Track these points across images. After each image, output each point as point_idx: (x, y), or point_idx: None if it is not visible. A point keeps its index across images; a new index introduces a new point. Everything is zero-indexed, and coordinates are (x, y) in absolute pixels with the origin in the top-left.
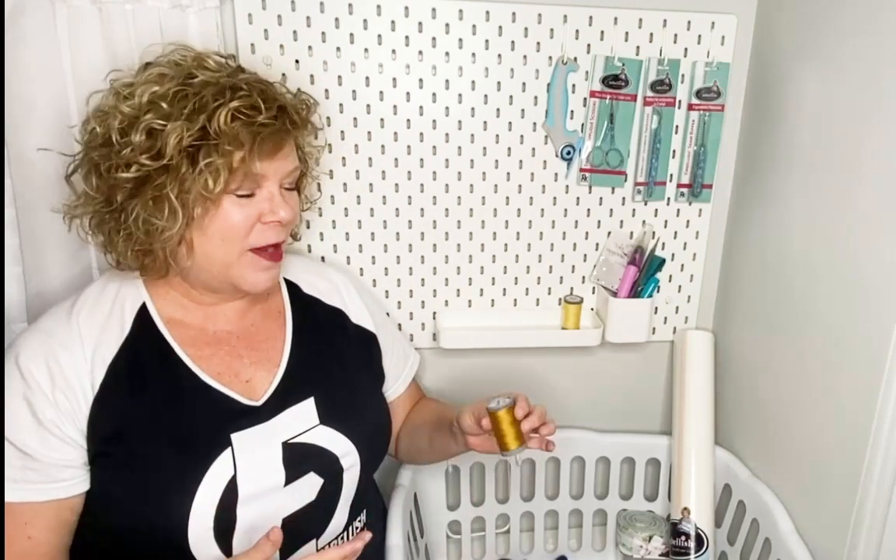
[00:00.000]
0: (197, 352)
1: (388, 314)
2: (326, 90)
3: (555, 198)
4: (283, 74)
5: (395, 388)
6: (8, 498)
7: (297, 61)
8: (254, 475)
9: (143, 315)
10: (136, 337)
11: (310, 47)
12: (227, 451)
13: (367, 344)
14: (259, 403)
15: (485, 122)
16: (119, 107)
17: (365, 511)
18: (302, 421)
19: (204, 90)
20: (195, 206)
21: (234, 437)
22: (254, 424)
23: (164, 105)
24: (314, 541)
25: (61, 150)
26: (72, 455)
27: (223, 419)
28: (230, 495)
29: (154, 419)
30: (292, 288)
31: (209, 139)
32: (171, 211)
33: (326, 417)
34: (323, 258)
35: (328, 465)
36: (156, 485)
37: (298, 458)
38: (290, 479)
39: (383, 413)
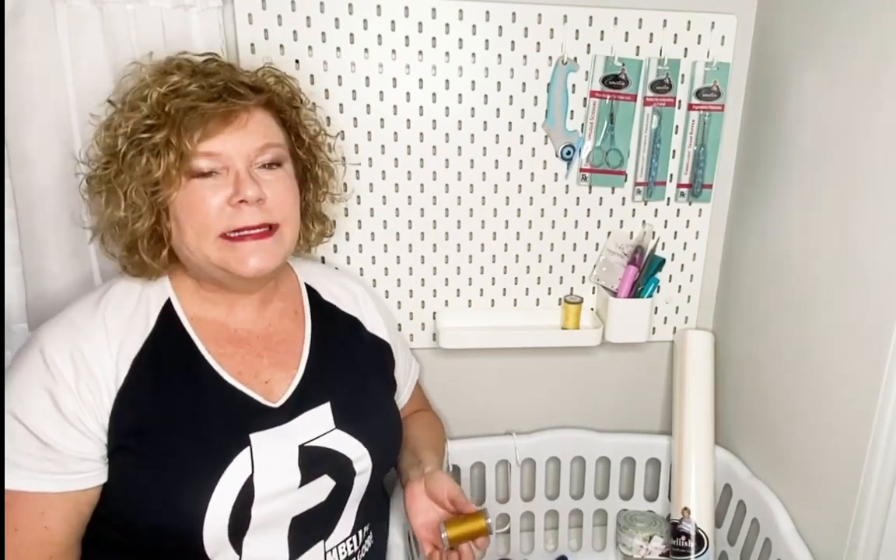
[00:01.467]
0: (219, 349)
1: (394, 310)
2: (326, 90)
3: (555, 198)
4: None
5: (403, 396)
6: (26, 487)
7: (297, 61)
8: (271, 476)
9: (167, 311)
10: (160, 333)
11: (310, 47)
12: (246, 451)
13: (381, 353)
14: (277, 405)
15: (485, 122)
16: (100, 120)
17: (373, 518)
18: (318, 425)
19: (147, 77)
20: (155, 194)
21: (253, 437)
22: (272, 426)
23: (118, 105)
24: (322, 542)
25: (61, 150)
26: (90, 448)
27: (242, 418)
28: (247, 494)
29: (175, 415)
30: (312, 293)
31: (149, 120)
32: (128, 201)
33: (342, 422)
34: (323, 259)
35: (342, 469)
36: (175, 480)
37: (314, 461)
38: (304, 481)
39: (395, 420)
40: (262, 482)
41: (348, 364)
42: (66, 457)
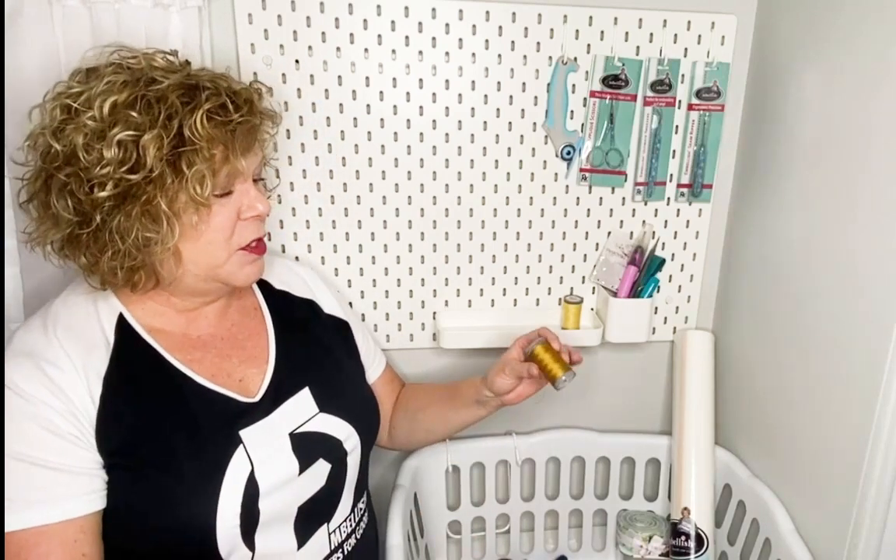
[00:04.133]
0: (186, 356)
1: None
2: (326, 90)
3: (555, 198)
4: (283, 74)
5: (371, 371)
6: (49, 519)
7: (297, 61)
8: (270, 468)
9: (123, 326)
10: (122, 348)
11: (310, 47)
12: (241, 448)
13: (341, 331)
14: (256, 400)
15: (485, 122)
16: (81, 120)
17: (365, 493)
18: (302, 411)
19: (169, 94)
20: (185, 214)
21: (243, 433)
22: (257, 420)
23: (133, 114)
24: (325, 525)
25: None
26: (97, 459)
27: (228, 418)
28: (252, 490)
29: (161, 427)
30: (263, 285)
31: (186, 144)
32: (168, 222)
33: (324, 405)
34: (323, 259)
35: (334, 450)
36: (179, 492)
37: (307, 446)
38: (303, 468)
39: (371, 394)
40: (263, 474)
41: (316, 346)
42: (78, 475)
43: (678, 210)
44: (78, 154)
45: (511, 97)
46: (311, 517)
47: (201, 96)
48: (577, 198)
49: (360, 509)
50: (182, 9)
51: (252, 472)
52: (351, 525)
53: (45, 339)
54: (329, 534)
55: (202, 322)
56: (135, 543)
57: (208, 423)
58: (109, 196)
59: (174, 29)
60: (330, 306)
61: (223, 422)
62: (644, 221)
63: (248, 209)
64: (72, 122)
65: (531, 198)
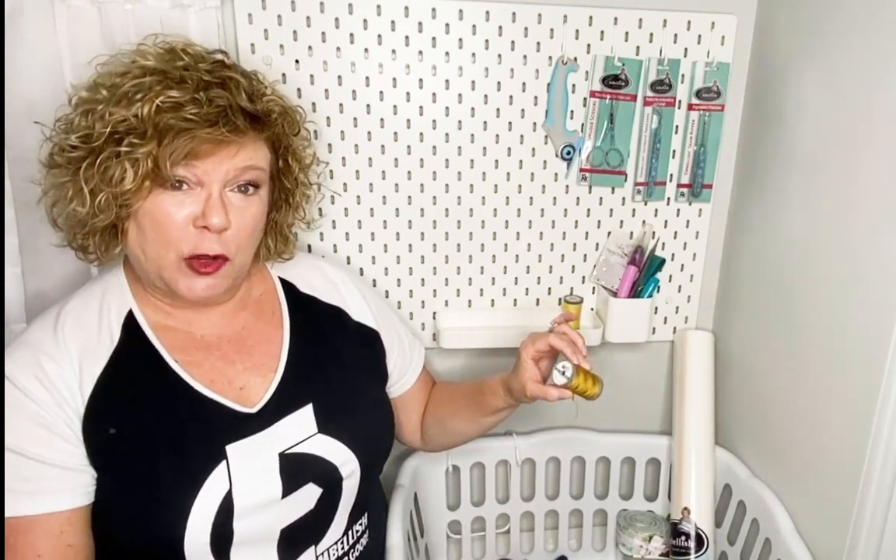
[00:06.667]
0: (187, 357)
1: (395, 307)
2: (326, 90)
3: (555, 198)
4: (284, 74)
5: (403, 381)
6: (39, 510)
7: (297, 61)
8: (250, 489)
9: (130, 322)
10: (124, 346)
11: (310, 47)
12: (223, 465)
13: (369, 342)
14: (254, 411)
15: (485, 122)
16: (79, 92)
17: (366, 513)
18: (299, 430)
19: (148, 77)
20: (124, 201)
21: (229, 448)
22: (249, 434)
23: (104, 90)
24: (313, 547)
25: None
26: (86, 455)
27: (217, 430)
28: (226, 510)
29: (146, 431)
30: (288, 287)
31: (137, 127)
32: (93, 199)
33: (325, 426)
34: (323, 258)
35: (327, 475)
36: (151, 500)
37: (296, 469)
38: (287, 491)
39: (385, 417)
40: (241, 496)
41: (332, 361)
42: (65, 469)
43: (678, 210)
44: (71, 119)
45: (511, 97)
46: (296, 540)
47: (171, 85)
48: (577, 198)
49: (357, 530)
50: (201, 9)
51: (229, 492)
52: (343, 547)
53: (52, 330)
54: (317, 556)
55: (204, 322)
56: (112, 540)
57: (195, 433)
58: (69, 159)
59: (192, 30)
60: (360, 313)
61: (211, 433)
62: (644, 221)
63: (201, 217)
64: (76, 93)
65: (531, 198)
